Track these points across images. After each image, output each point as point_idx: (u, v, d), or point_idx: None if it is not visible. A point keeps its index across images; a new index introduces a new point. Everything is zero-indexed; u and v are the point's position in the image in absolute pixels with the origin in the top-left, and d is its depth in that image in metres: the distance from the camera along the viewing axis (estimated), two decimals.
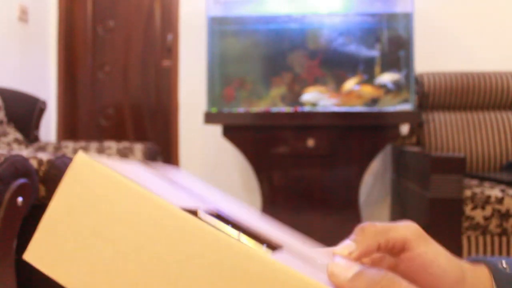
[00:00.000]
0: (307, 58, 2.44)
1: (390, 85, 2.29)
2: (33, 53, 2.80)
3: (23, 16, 2.63)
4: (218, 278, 0.25)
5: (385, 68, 2.38)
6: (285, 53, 2.46)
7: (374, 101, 2.32)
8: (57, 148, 2.18)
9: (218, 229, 0.26)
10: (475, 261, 0.40)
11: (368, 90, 2.29)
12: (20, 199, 1.13)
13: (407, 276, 0.35)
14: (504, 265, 0.39)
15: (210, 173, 2.82)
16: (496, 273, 0.38)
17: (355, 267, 0.27)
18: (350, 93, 2.29)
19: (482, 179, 1.99)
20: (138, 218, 0.27)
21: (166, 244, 0.26)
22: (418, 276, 0.35)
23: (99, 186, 0.29)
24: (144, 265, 0.26)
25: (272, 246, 0.32)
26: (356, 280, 0.26)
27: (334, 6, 2.51)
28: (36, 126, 2.27)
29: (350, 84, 2.31)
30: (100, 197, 0.29)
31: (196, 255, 0.25)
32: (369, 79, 2.38)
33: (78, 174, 0.30)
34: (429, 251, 0.36)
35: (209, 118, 2.19)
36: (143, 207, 0.27)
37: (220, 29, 2.44)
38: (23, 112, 2.21)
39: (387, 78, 2.29)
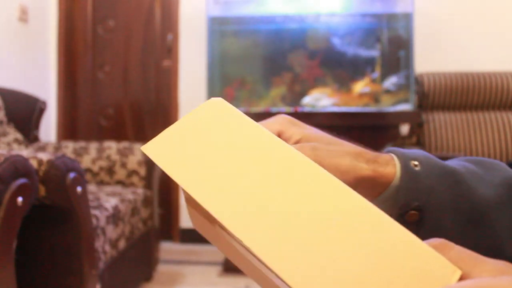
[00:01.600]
0: (307, 58, 2.44)
1: (391, 87, 2.30)
2: (33, 53, 2.80)
3: (23, 16, 2.63)
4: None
5: (385, 68, 2.38)
6: (285, 53, 2.46)
7: (376, 101, 2.32)
8: (57, 148, 2.19)
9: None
10: (389, 152, 0.42)
11: (361, 85, 2.31)
12: (20, 199, 1.13)
13: None
14: (416, 163, 0.40)
15: None
16: (405, 169, 0.40)
17: None
18: (361, 95, 2.31)
19: None
20: (260, 153, 0.31)
21: (278, 177, 0.29)
22: None
23: (231, 119, 0.33)
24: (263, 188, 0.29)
25: None
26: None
27: (334, 6, 2.51)
28: (36, 126, 2.27)
29: (360, 86, 2.32)
30: (229, 126, 0.33)
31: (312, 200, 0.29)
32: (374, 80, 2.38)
33: (211, 107, 0.35)
34: (301, 135, 0.42)
35: None
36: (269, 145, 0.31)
37: (220, 29, 2.44)
38: (23, 112, 2.21)
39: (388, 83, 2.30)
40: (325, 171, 0.29)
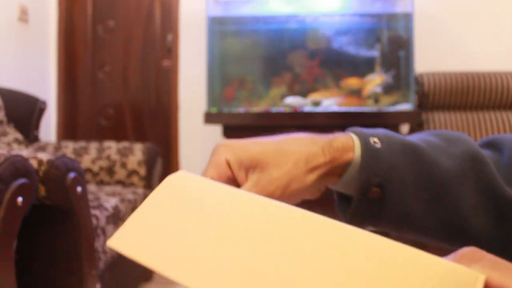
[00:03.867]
0: (307, 58, 2.44)
1: (378, 89, 2.30)
2: (33, 53, 2.80)
3: (23, 16, 2.63)
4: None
5: (385, 68, 2.38)
6: (285, 53, 2.46)
7: (376, 101, 2.32)
8: (57, 148, 2.18)
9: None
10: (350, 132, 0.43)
11: (352, 82, 2.31)
12: (20, 199, 1.13)
13: None
14: (376, 140, 0.40)
15: None
16: (366, 147, 0.40)
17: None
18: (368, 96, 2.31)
19: None
20: (234, 212, 0.30)
21: (259, 232, 0.28)
22: None
23: (194, 188, 0.32)
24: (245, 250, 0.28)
25: None
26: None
27: (334, 6, 2.51)
28: (36, 126, 2.27)
29: (370, 86, 2.32)
30: (194, 197, 0.32)
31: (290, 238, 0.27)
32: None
33: (173, 182, 0.34)
34: None
35: (209, 118, 2.19)
36: (240, 202, 0.30)
37: (220, 29, 2.44)
38: (23, 112, 2.21)
39: (374, 84, 2.31)
40: (306, 213, 0.28)
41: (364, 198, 0.39)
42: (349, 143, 0.41)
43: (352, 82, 2.33)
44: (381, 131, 0.42)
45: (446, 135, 0.44)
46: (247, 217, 0.29)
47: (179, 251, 0.29)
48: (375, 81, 2.33)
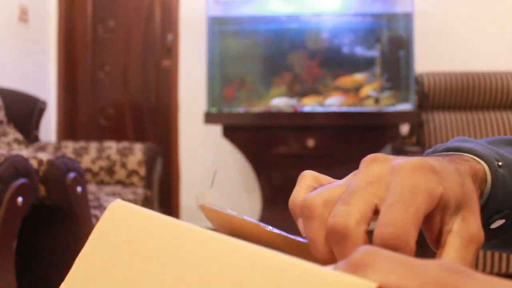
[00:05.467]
0: (307, 58, 2.44)
1: (374, 93, 2.31)
2: (33, 53, 2.80)
3: (23, 16, 2.63)
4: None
5: (385, 68, 2.38)
6: (285, 53, 2.46)
7: (376, 101, 2.32)
8: (57, 148, 2.18)
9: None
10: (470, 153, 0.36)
11: (347, 81, 2.32)
12: (20, 199, 1.13)
13: None
14: (500, 163, 0.35)
15: (210, 173, 2.82)
16: (495, 174, 0.35)
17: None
18: (368, 97, 2.32)
19: None
20: (179, 247, 0.29)
21: (209, 266, 0.27)
22: None
23: (136, 222, 0.31)
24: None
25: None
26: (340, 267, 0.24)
27: (334, 6, 2.51)
28: (36, 126, 2.27)
29: (367, 90, 2.32)
30: (137, 232, 0.31)
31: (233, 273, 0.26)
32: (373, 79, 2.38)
33: (113, 214, 0.33)
34: None
35: (209, 118, 2.19)
36: (183, 237, 0.29)
37: (220, 29, 2.44)
38: (23, 112, 2.21)
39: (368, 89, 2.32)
40: (241, 242, 0.27)
41: (488, 229, 0.36)
42: (481, 171, 0.35)
43: (346, 80, 2.33)
44: (492, 147, 0.37)
45: None
46: (184, 249, 0.29)
47: None
48: (371, 85, 2.34)
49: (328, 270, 0.23)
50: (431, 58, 2.62)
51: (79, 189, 1.33)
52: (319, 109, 2.25)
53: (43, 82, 2.90)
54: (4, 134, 2.02)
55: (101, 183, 2.12)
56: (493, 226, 0.36)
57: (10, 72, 2.54)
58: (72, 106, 3.04)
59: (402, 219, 0.25)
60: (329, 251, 0.29)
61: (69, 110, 3.04)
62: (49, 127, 2.92)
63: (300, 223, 0.32)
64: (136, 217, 0.32)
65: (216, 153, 2.81)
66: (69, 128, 3.05)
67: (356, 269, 0.22)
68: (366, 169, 0.29)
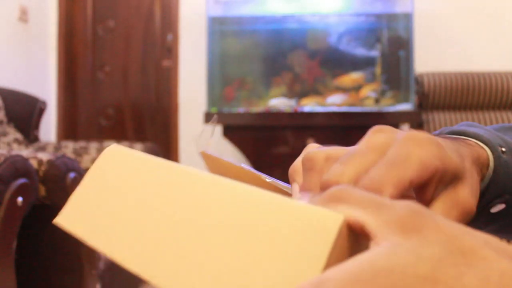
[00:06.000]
0: (307, 58, 2.44)
1: (374, 94, 2.31)
2: (33, 53, 2.80)
3: (23, 16, 2.63)
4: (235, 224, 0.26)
5: (385, 68, 2.38)
6: (285, 53, 2.46)
7: (376, 101, 2.32)
8: (57, 148, 2.18)
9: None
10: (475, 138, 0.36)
11: (346, 81, 2.32)
12: (20, 199, 1.13)
13: None
14: (503, 149, 0.36)
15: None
16: (498, 160, 0.35)
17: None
18: (366, 98, 2.32)
19: None
20: (166, 186, 0.30)
21: (191, 203, 0.29)
22: None
23: (129, 162, 0.33)
24: (170, 223, 0.28)
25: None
26: (317, 199, 0.24)
27: (334, 6, 2.51)
28: (36, 126, 2.27)
29: (366, 90, 2.32)
30: (133, 171, 0.32)
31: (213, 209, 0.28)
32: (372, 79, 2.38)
33: (109, 157, 0.34)
34: None
35: (209, 118, 2.19)
36: (170, 175, 0.30)
37: (220, 29, 2.44)
38: (23, 112, 2.21)
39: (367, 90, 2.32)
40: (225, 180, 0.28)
41: (488, 213, 0.37)
42: (484, 157, 0.35)
43: (344, 80, 2.33)
44: (498, 134, 0.38)
45: None
46: (176, 189, 0.29)
47: (116, 229, 0.30)
48: (370, 86, 2.34)
49: (301, 203, 0.24)
50: (431, 58, 2.62)
51: None
52: (319, 109, 2.25)
53: (43, 82, 2.90)
54: (4, 134, 2.02)
55: None
56: (493, 210, 0.36)
57: (10, 72, 2.54)
58: (72, 106, 3.04)
59: (380, 177, 0.26)
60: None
61: (69, 110, 3.04)
62: (49, 127, 2.92)
63: (294, 187, 0.34)
64: (131, 159, 0.33)
65: (216, 153, 2.81)
66: (69, 128, 3.05)
67: (329, 202, 0.23)
68: (370, 137, 0.29)
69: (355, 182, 0.27)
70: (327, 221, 0.22)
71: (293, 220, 0.24)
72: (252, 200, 0.26)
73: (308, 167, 0.31)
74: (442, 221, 0.21)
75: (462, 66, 2.57)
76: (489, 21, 2.66)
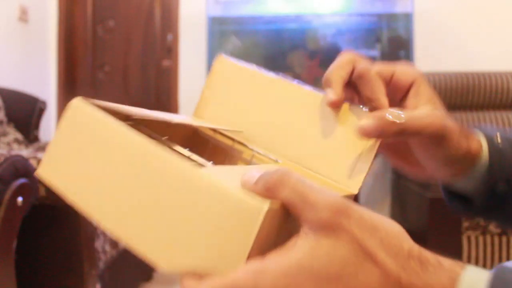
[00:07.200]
0: (307, 58, 2.44)
1: None
2: (33, 53, 2.80)
3: (23, 16, 2.63)
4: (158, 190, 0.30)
5: None
6: (285, 53, 2.46)
7: None
8: None
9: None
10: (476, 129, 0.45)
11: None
12: (20, 199, 1.13)
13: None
14: (499, 140, 0.43)
15: None
16: (492, 145, 0.42)
17: (258, 174, 0.30)
18: None
19: None
20: (114, 149, 0.34)
21: (133, 168, 0.32)
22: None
23: (92, 125, 0.35)
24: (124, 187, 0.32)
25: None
26: (257, 183, 0.29)
27: (334, 6, 2.51)
28: (36, 126, 2.27)
29: None
30: (93, 134, 0.35)
31: (144, 173, 0.31)
32: None
33: (75, 112, 0.37)
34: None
35: None
36: (120, 142, 0.34)
37: (220, 29, 2.44)
38: (23, 112, 2.21)
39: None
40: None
41: (493, 193, 0.42)
42: (475, 139, 0.43)
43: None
44: (498, 129, 0.45)
45: None
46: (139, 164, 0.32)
47: (91, 190, 0.33)
48: None
49: (232, 190, 0.28)
50: (431, 58, 2.62)
51: None
52: None
53: (43, 82, 2.90)
54: (4, 134, 2.02)
55: None
56: (498, 190, 0.42)
57: (10, 72, 2.54)
58: None
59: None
60: (342, 97, 0.41)
61: None
62: (49, 127, 2.92)
63: (328, 91, 0.42)
64: (95, 119, 0.35)
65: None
66: None
67: (270, 190, 0.28)
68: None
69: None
70: (253, 211, 0.27)
71: (228, 204, 0.28)
72: (199, 183, 0.29)
73: (338, 61, 0.43)
74: (355, 222, 0.26)
75: (462, 66, 2.57)
76: (489, 21, 2.66)
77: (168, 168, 0.30)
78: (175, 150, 0.41)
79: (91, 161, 0.34)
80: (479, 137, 0.43)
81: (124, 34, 3.01)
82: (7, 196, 1.10)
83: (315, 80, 2.42)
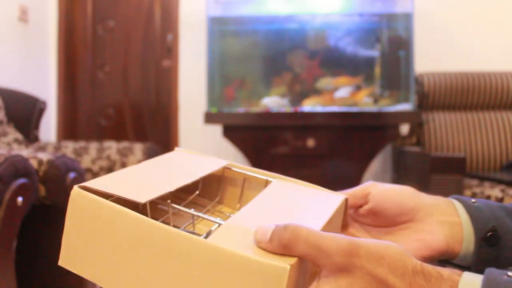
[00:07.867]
0: (307, 58, 2.44)
1: (368, 99, 2.31)
2: (33, 53, 2.80)
3: (23, 16, 2.63)
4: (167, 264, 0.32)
5: (385, 68, 2.38)
6: (285, 53, 2.45)
7: (375, 101, 2.32)
8: (57, 148, 2.18)
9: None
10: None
11: (343, 81, 2.32)
12: (20, 199, 1.13)
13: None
14: (473, 200, 0.47)
15: None
16: (467, 205, 0.46)
17: (269, 230, 0.33)
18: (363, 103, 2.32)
19: (482, 179, 1.99)
20: (121, 232, 0.35)
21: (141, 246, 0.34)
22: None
23: (95, 212, 0.38)
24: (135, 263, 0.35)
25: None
26: (272, 241, 0.32)
27: (334, 6, 2.50)
28: (36, 126, 2.27)
29: (362, 95, 2.32)
30: (97, 220, 0.37)
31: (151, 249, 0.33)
32: (369, 80, 2.39)
33: (77, 204, 0.39)
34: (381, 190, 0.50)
35: (209, 118, 2.19)
36: (124, 224, 0.36)
37: (220, 29, 2.44)
38: (23, 112, 2.21)
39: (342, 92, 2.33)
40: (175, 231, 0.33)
41: (483, 243, 0.44)
42: (451, 205, 0.48)
43: (343, 81, 2.33)
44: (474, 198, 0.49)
45: None
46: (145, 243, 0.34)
47: (109, 271, 0.35)
48: (366, 91, 2.34)
49: (250, 255, 0.29)
50: (431, 58, 2.62)
51: None
52: (319, 109, 2.25)
53: (43, 82, 2.90)
54: (4, 134, 2.02)
55: None
56: (487, 239, 0.44)
57: (10, 72, 2.54)
58: (72, 106, 3.04)
59: None
60: None
61: (69, 110, 3.04)
62: (49, 127, 2.92)
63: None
64: (97, 208, 0.38)
65: (216, 153, 2.81)
66: (69, 128, 3.05)
67: (285, 250, 0.32)
68: None
69: None
70: (278, 271, 0.29)
71: (250, 269, 0.29)
72: (203, 253, 0.30)
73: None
74: (365, 257, 0.32)
75: (462, 66, 2.57)
76: (489, 21, 2.66)
77: (175, 243, 0.32)
78: (180, 209, 0.43)
79: (101, 244, 0.36)
80: (454, 204, 0.47)
81: (124, 34, 3.00)
82: (7, 196, 1.10)
83: (315, 80, 2.42)
